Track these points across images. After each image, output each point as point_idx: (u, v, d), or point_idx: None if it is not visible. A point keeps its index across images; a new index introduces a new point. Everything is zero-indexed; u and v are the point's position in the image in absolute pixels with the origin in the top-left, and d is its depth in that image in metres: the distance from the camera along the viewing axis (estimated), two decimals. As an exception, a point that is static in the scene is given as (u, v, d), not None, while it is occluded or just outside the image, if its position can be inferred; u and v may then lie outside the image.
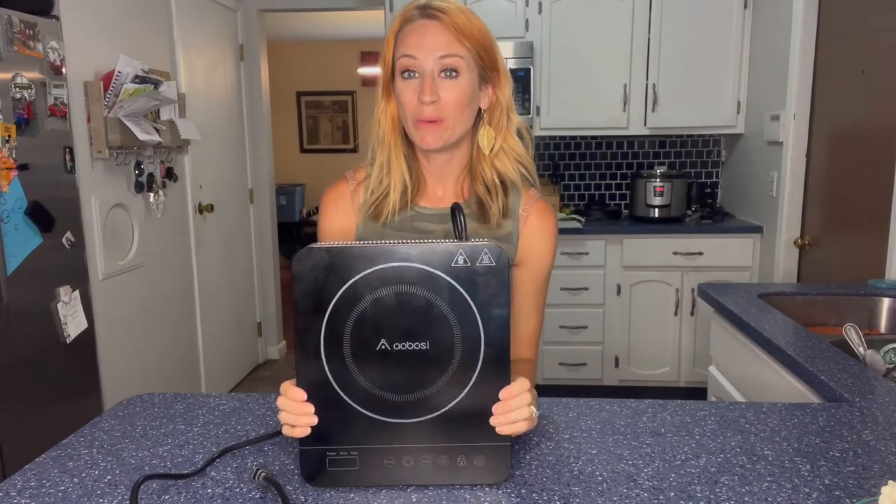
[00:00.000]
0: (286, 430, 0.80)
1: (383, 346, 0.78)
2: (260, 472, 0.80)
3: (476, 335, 0.78)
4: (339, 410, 0.79)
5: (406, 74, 0.99)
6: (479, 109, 1.06)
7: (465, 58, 0.98)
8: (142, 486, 0.81)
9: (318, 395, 0.79)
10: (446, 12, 0.98)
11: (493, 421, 0.79)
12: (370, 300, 0.78)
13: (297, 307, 0.78)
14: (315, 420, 0.79)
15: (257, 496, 0.79)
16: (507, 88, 1.06)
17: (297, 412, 0.79)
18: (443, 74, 0.98)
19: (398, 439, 0.80)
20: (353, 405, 0.79)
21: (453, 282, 0.78)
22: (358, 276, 0.77)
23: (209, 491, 0.80)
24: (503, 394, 0.79)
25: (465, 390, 0.79)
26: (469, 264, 0.78)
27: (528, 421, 0.81)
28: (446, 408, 0.79)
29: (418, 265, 0.78)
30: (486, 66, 1.02)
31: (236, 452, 0.90)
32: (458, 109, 0.99)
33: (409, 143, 1.07)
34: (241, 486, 0.81)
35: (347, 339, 0.78)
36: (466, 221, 0.93)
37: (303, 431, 0.79)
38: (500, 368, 0.79)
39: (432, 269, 0.78)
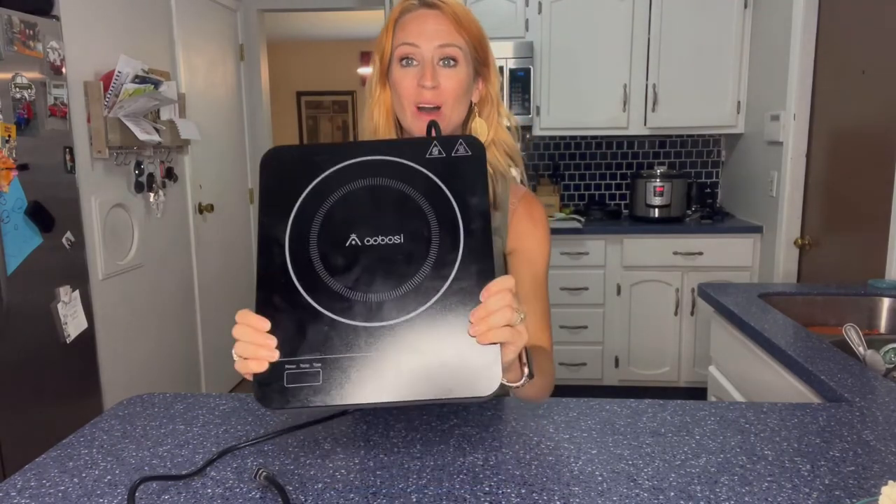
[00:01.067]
0: (240, 365, 0.69)
1: (353, 242, 0.71)
2: (261, 471, 0.80)
3: (454, 226, 0.71)
4: (301, 316, 0.70)
5: (405, 62, 1.00)
6: (471, 103, 1.07)
7: (462, 49, 1.00)
8: (141, 486, 0.81)
9: (280, 301, 0.70)
10: (446, 2, 1.00)
11: (471, 330, 0.68)
12: (340, 195, 0.73)
13: (261, 208, 0.73)
14: (277, 355, 0.69)
15: (257, 496, 0.79)
16: (496, 83, 1.08)
17: (256, 342, 0.69)
18: (441, 63, 0.99)
19: (368, 346, 0.69)
20: (319, 308, 0.70)
21: (428, 172, 0.73)
22: (328, 171, 0.74)
23: (209, 491, 0.80)
24: (482, 294, 0.69)
25: (445, 286, 0.70)
26: (444, 155, 0.74)
27: (510, 329, 0.69)
28: (423, 307, 0.69)
29: (391, 157, 0.74)
30: (480, 60, 1.03)
31: (236, 452, 0.90)
32: (456, 98, 1.00)
33: (404, 134, 1.07)
34: (241, 485, 0.81)
35: (314, 236, 0.72)
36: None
37: (260, 366, 0.68)
38: (482, 263, 0.71)
39: (406, 161, 0.74)
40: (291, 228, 0.72)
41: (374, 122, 1.06)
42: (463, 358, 0.68)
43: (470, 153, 0.74)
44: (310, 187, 0.73)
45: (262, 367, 0.68)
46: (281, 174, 0.74)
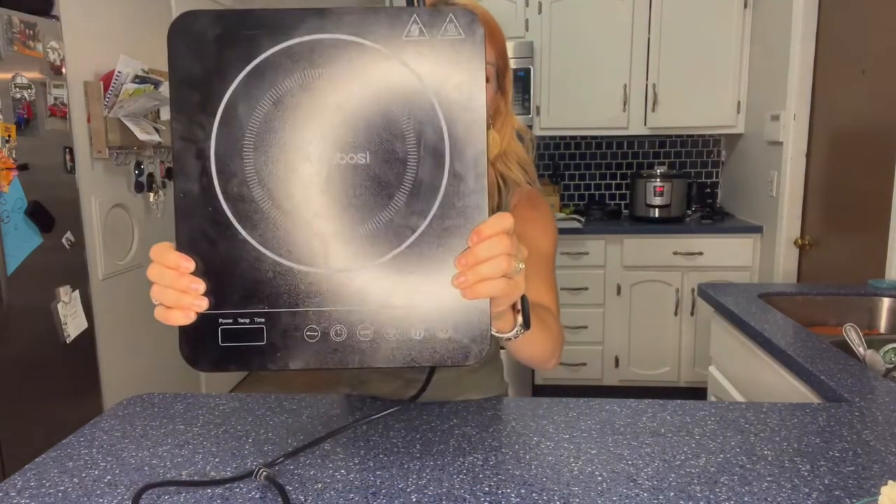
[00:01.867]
0: (160, 314, 0.56)
1: (304, 161, 0.54)
2: (261, 471, 0.80)
3: (438, 142, 0.55)
4: (237, 257, 0.55)
5: None
6: None
7: (492, 64, 0.94)
8: (146, 483, 0.81)
9: (207, 237, 0.55)
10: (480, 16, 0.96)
11: (455, 281, 0.55)
12: (281, 93, 0.54)
13: (172, 102, 0.55)
14: (205, 303, 0.55)
15: (257, 496, 0.79)
16: (510, 93, 1.03)
17: (178, 286, 0.55)
18: None
19: (324, 298, 0.55)
20: (259, 247, 0.55)
21: (404, 62, 0.54)
22: (264, 55, 0.54)
23: (209, 491, 0.80)
24: (472, 238, 0.55)
25: (424, 224, 0.55)
26: (426, 36, 0.54)
27: (506, 280, 0.56)
28: (395, 250, 0.55)
29: (352, 38, 0.54)
30: (501, 72, 0.98)
31: (236, 452, 0.90)
32: None
33: None
34: (241, 486, 0.81)
35: (250, 149, 0.54)
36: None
37: (186, 317, 0.55)
38: (473, 195, 0.55)
39: (373, 44, 0.54)
40: (217, 137, 0.54)
41: None
42: (443, 314, 0.55)
43: (463, 35, 0.55)
44: (240, 77, 0.54)
45: (189, 318, 0.55)
46: (199, 54, 0.54)
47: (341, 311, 0.55)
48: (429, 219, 0.55)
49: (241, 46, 0.54)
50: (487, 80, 0.92)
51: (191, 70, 0.54)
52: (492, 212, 0.57)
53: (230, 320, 0.55)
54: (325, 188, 0.55)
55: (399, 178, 0.55)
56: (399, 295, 0.55)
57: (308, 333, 0.55)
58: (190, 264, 0.55)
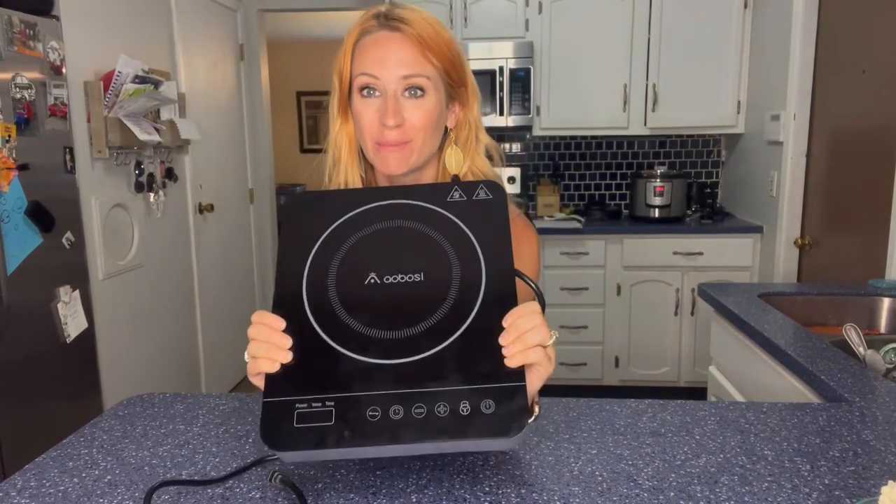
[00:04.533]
0: (253, 367, 0.68)
1: (373, 280, 0.70)
2: (276, 474, 0.79)
3: (476, 265, 0.71)
4: (314, 353, 0.67)
5: (366, 92, 0.89)
6: (446, 128, 0.96)
7: (431, 77, 0.89)
8: (145, 483, 0.81)
9: (294, 338, 0.68)
10: (410, 23, 0.88)
11: (505, 352, 0.65)
12: (360, 236, 0.73)
13: (280, 248, 0.74)
14: (290, 356, 0.67)
15: (257, 496, 0.79)
16: (475, 106, 0.97)
17: (272, 341, 0.67)
18: (407, 94, 0.89)
19: (384, 384, 0.65)
20: (332, 343, 0.67)
21: (449, 214, 0.74)
22: (349, 214, 0.75)
23: (209, 491, 0.80)
24: (507, 319, 0.66)
25: (466, 323, 0.67)
26: (465, 198, 0.75)
27: (543, 351, 0.66)
28: (444, 343, 0.66)
29: (412, 201, 0.75)
30: (454, 82, 0.93)
31: (236, 452, 0.90)
32: (425, 131, 0.90)
33: (368, 165, 0.97)
34: (241, 486, 0.81)
35: (333, 273, 0.71)
36: None
37: (272, 366, 0.66)
38: (505, 302, 0.68)
39: (426, 204, 0.75)
40: (310, 267, 0.72)
41: (337, 152, 0.96)
42: (488, 396, 0.64)
43: (491, 196, 0.75)
44: (330, 229, 0.73)
45: (274, 367, 0.66)
46: (301, 217, 0.75)
47: (399, 394, 0.64)
48: (470, 319, 0.67)
49: (331, 211, 0.75)
50: (423, 92, 0.88)
51: (295, 226, 0.75)
52: None
53: (305, 405, 0.65)
54: (388, 300, 0.69)
55: (446, 290, 0.69)
56: (447, 379, 0.65)
57: (370, 414, 0.64)
58: (282, 324, 0.67)
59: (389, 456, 0.69)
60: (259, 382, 0.68)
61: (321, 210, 0.75)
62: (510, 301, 0.68)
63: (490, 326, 0.66)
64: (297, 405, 0.65)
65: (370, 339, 0.67)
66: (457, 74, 0.93)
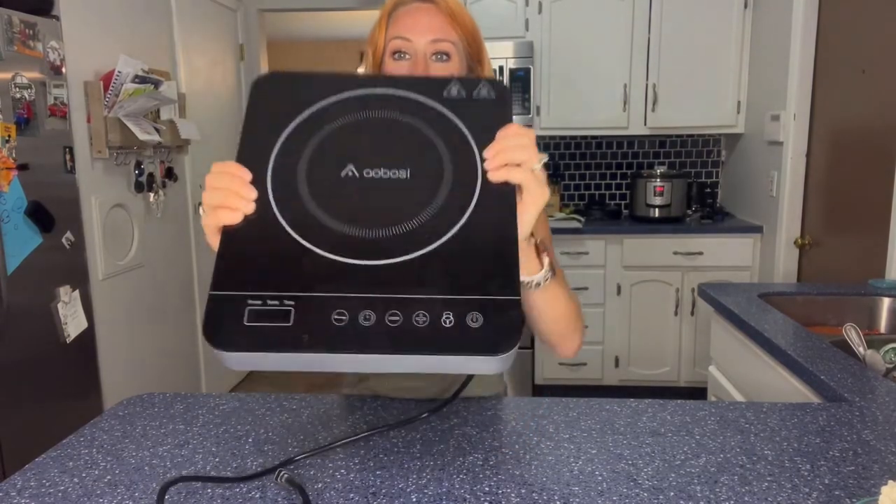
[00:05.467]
0: (211, 217, 0.61)
1: (350, 173, 0.62)
2: (282, 472, 0.79)
3: (471, 166, 0.63)
4: (274, 246, 0.59)
5: (397, 56, 0.97)
6: None
7: (456, 44, 0.97)
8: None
9: (255, 229, 0.60)
10: None
11: (486, 165, 0.63)
12: (340, 124, 0.64)
13: (245, 128, 0.65)
14: (253, 208, 0.60)
15: (257, 496, 0.79)
16: None
17: (234, 189, 0.60)
18: (434, 58, 0.97)
19: (354, 286, 0.56)
20: (296, 237, 0.59)
21: (445, 110, 0.65)
22: (329, 100, 0.65)
23: (209, 491, 0.80)
24: (499, 134, 0.64)
25: (456, 227, 0.59)
26: (464, 95, 0.66)
27: (530, 174, 0.63)
28: (428, 248, 0.58)
29: (403, 92, 0.66)
30: (473, 55, 1.01)
31: (236, 452, 0.90)
32: None
33: None
34: (241, 486, 0.81)
35: (305, 161, 0.63)
36: None
37: (232, 216, 0.60)
38: (501, 210, 0.61)
39: (419, 97, 0.66)
40: (279, 151, 0.63)
41: None
42: (475, 308, 0.55)
43: (494, 96, 0.66)
44: (306, 112, 0.64)
45: (236, 217, 0.60)
46: (274, 97, 0.65)
47: (369, 297, 0.55)
48: (459, 225, 0.59)
49: (309, 93, 0.65)
50: (449, 57, 0.95)
51: (265, 106, 0.66)
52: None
53: (259, 301, 0.55)
54: (366, 196, 0.61)
55: (434, 191, 0.61)
56: (430, 284, 0.56)
57: (336, 318, 0.54)
58: (247, 175, 0.61)
59: (355, 371, 0.60)
60: (215, 242, 0.61)
61: (297, 92, 0.66)
62: (507, 211, 0.61)
63: (483, 235, 0.59)
64: (249, 301, 0.55)
65: (341, 236, 0.59)
66: (476, 48, 1.01)
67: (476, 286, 0.56)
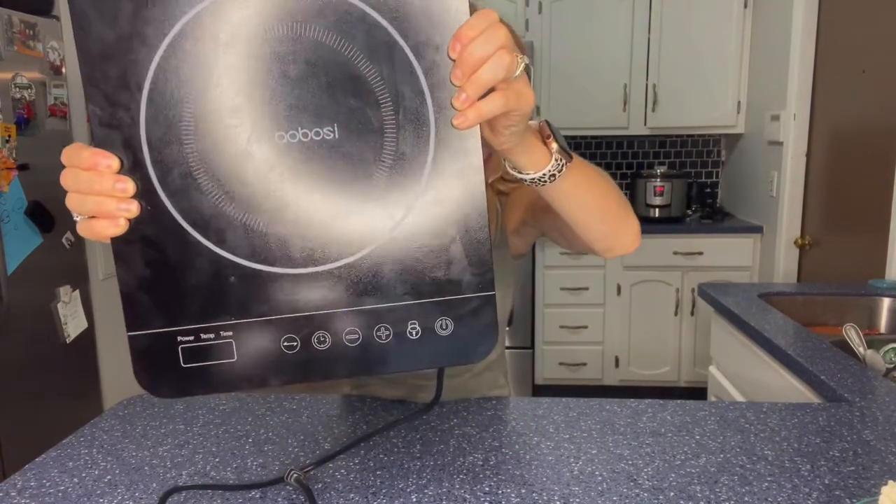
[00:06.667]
0: (84, 228, 0.46)
1: (254, 140, 0.44)
2: (291, 473, 0.78)
3: (419, 104, 0.44)
4: (190, 263, 0.45)
5: None
6: None
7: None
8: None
9: (151, 242, 0.45)
10: None
11: (454, 101, 0.44)
12: (223, 59, 0.43)
13: (85, 77, 0.43)
14: (135, 208, 0.44)
15: (257, 496, 0.79)
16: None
17: (99, 188, 0.44)
18: None
19: (298, 302, 0.46)
20: (215, 249, 0.45)
21: (372, 12, 0.43)
22: (196, 8, 0.42)
23: (208, 491, 0.80)
24: (454, 46, 0.44)
25: (408, 208, 0.45)
26: None
27: (508, 96, 0.45)
28: (376, 243, 0.45)
29: None
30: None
31: (236, 452, 0.90)
32: None
33: None
34: (254, 491, 0.81)
35: (190, 133, 0.43)
36: None
37: (114, 226, 0.44)
38: (464, 162, 0.45)
39: None
40: (147, 119, 0.43)
41: None
42: (442, 308, 0.46)
43: None
44: (167, 40, 0.42)
45: (119, 227, 0.45)
46: (113, 13, 0.42)
47: (320, 315, 0.46)
48: (417, 197, 0.45)
49: (166, 3, 0.42)
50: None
51: (103, 34, 0.42)
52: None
53: (191, 337, 0.46)
54: (288, 172, 0.44)
55: (376, 152, 0.45)
56: (387, 291, 0.46)
57: (286, 344, 0.46)
58: (111, 161, 0.44)
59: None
60: (102, 238, 0.46)
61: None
62: (472, 171, 0.45)
63: (444, 215, 0.45)
64: (179, 338, 0.46)
65: (264, 237, 0.45)
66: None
67: (442, 285, 0.46)
